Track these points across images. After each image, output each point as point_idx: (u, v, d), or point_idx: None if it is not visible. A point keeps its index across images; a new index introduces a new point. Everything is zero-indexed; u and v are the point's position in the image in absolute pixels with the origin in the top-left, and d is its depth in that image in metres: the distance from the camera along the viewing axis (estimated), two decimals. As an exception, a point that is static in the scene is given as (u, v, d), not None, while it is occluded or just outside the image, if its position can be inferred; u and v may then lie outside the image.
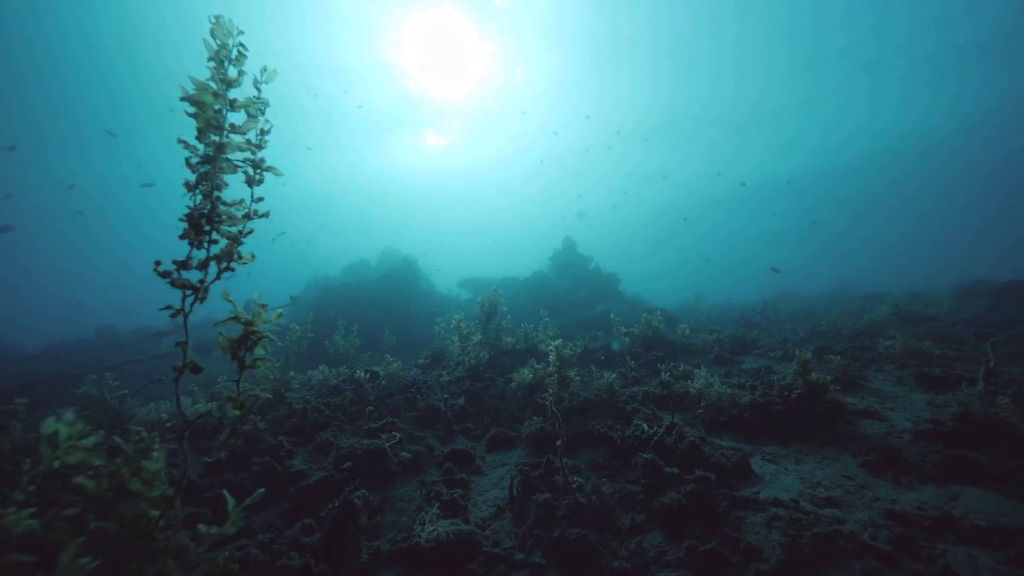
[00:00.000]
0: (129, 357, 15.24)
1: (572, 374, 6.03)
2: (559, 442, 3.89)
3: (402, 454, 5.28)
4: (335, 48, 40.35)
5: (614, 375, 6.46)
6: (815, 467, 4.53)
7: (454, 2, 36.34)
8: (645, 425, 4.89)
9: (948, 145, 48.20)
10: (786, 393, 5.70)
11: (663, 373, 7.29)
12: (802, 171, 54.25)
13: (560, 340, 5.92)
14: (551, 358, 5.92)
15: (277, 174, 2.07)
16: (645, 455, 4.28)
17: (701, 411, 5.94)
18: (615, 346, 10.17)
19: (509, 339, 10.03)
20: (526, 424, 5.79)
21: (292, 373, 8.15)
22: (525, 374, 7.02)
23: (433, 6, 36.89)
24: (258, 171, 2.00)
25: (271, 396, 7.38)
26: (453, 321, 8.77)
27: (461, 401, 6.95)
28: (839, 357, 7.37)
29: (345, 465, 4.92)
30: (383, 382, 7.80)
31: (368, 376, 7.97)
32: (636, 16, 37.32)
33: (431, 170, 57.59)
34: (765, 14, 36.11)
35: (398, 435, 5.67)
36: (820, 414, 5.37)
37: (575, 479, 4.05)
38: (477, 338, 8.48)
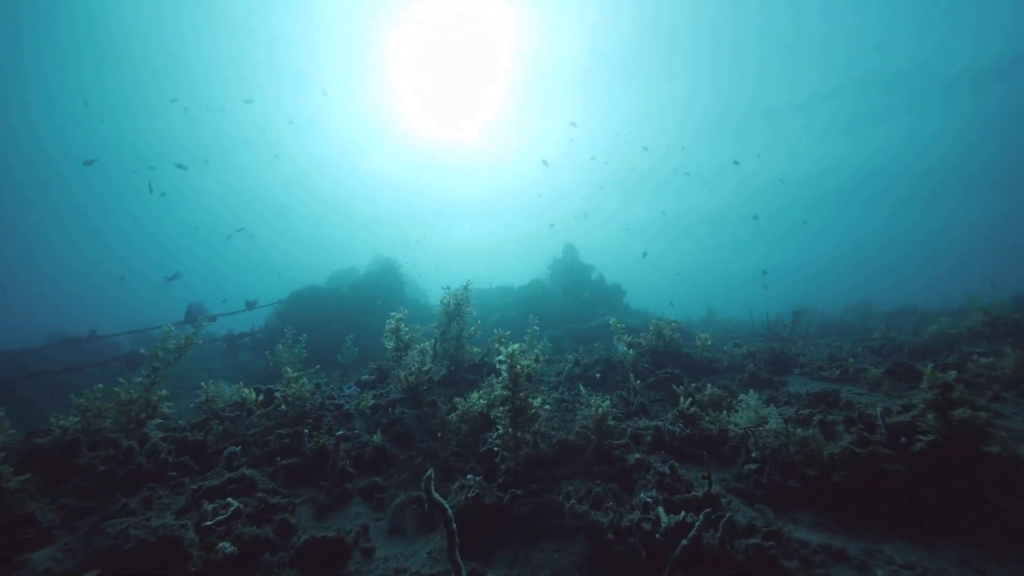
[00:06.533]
0: (71, 363, 12.97)
1: (538, 401, 3.68)
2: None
3: (220, 546, 2.92)
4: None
5: (608, 401, 4.10)
6: (1027, 614, 2.13)
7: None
8: (662, 509, 2.51)
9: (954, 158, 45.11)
10: (903, 440, 3.31)
11: (683, 400, 4.91)
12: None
13: (518, 345, 3.59)
14: (502, 374, 3.58)
15: None
16: (664, 593, 1.91)
17: (753, 467, 3.54)
18: (616, 354, 7.80)
19: (476, 350, 7.68)
20: (456, 485, 3.43)
21: (164, 391, 5.85)
22: (474, 399, 4.68)
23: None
24: None
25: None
26: (391, 322, 6.44)
27: (376, 439, 4.58)
28: (946, 379, 4.93)
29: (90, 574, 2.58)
30: (281, 406, 5.45)
31: (262, 398, 5.64)
32: (643, 30, 35.78)
33: (442, 178, 55.53)
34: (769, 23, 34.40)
35: (235, 505, 3.32)
36: (979, 481, 2.98)
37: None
38: (424, 345, 6.14)
